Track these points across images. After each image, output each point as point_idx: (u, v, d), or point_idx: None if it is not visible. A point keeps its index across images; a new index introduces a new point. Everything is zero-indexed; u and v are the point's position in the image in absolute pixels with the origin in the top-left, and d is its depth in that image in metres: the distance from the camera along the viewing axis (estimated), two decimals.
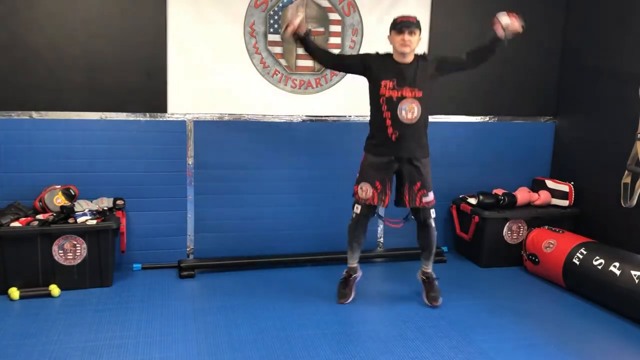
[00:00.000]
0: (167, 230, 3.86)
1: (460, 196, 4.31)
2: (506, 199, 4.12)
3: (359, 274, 3.46)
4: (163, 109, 3.74)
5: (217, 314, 3.16)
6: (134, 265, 3.79)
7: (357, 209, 3.26)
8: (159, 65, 3.68)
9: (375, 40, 3.93)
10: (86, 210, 3.46)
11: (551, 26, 4.39)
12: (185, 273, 3.71)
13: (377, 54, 3.24)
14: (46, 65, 3.52)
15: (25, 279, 3.31)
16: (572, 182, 4.21)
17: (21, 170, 3.54)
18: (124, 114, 3.68)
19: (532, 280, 3.88)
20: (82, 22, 3.54)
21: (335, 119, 4.05)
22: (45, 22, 3.48)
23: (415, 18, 3.08)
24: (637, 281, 3.14)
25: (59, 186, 3.52)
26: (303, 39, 3.18)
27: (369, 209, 3.26)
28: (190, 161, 3.83)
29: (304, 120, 4.01)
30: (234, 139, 3.89)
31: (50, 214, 3.40)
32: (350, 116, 4.05)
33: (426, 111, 3.17)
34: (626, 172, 3.51)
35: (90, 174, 3.66)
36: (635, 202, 3.45)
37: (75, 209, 3.45)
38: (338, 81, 4.02)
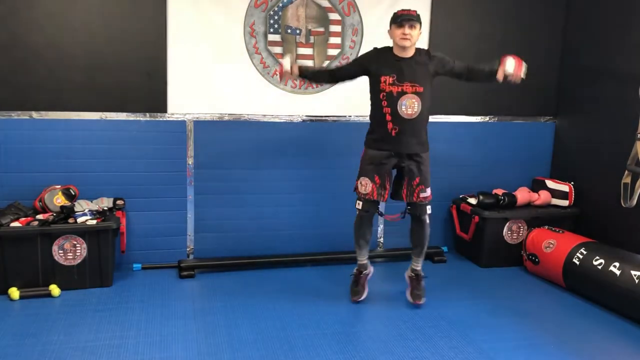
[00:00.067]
0: (167, 230, 3.87)
1: (460, 196, 4.31)
2: (506, 199, 4.12)
3: (370, 270, 3.45)
4: (163, 109, 3.74)
5: (217, 314, 3.16)
6: (134, 265, 3.79)
7: (359, 204, 3.26)
8: (159, 65, 3.68)
9: (375, 40, 3.92)
10: (86, 210, 3.46)
11: (551, 26, 4.39)
12: (185, 273, 3.71)
13: (375, 49, 3.24)
14: (46, 65, 3.52)
15: (25, 279, 3.31)
16: (572, 182, 4.21)
17: (21, 170, 3.54)
18: (124, 114, 3.69)
19: (532, 280, 3.88)
20: (82, 22, 3.54)
21: (335, 119, 4.05)
22: (45, 22, 3.48)
23: (415, 12, 3.08)
24: (637, 281, 3.14)
25: (59, 186, 3.52)
26: (300, 75, 3.27)
27: (371, 205, 3.25)
28: (190, 161, 3.83)
29: (304, 120, 4.01)
30: (234, 139, 3.89)
31: (50, 214, 3.40)
32: (350, 116, 4.05)
33: (426, 107, 3.17)
34: (626, 172, 3.51)
35: (90, 174, 3.66)
36: (635, 202, 3.45)
37: (75, 209, 3.45)
38: None
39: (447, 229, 4.44)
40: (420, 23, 3.10)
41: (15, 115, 3.52)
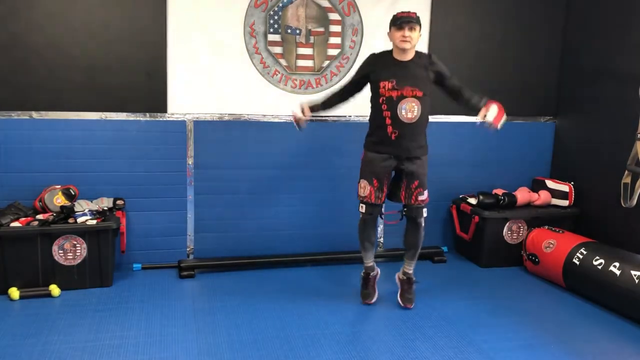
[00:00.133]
0: (167, 230, 3.87)
1: (460, 196, 4.31)
2: (506, 199, 4.12)
3: (377, 271, 3.45)
4: (163, 109, 3.74)
5: (217, 314, 3.16)
6: (134, 265, 3.79)
7: (362, 208, 3.25)
8: (159, 65, 3.69)
9: (375, 40, 3.94)
10: (86, 210, 3.46)
11: (551, 26, 4.39)
12: (185, 273, 3.71)
13: (373, 55, 3.23)
14: (46, 65, 3.52)
15: (25, 279, 3.31)
16: (572, 182, 4.21)
17: (21, 170, 3.54)
18: (124, 114, 3.69)
19: (532, 280, 3.88)
20: (82, 22, 3.54)
21: (335, 119, 4.05)
22: (45, 22, 3.48)
23: (415, 14, 3.07)
24: (637, 281, 3.14)
25: (59, 186, 3.52)
26: (314, 111, 3.29)
27: (374, 208, 3.24)
28: (190, 161, 3.83)
29: None
30: (234, 139, 3.89)
31: (50, 214, 3.40)
32: (350, 116, 4.05)
33: (426, 110, 3.16)
34: (626, 172, 3.51)
35: (90, 174, 3.66)
36: (635, 202, 3.45)
37: (75, 209, 3.45)
38: (338, 81, 4.02)
39: (447, 229, 4.44)
40: (420, 25, 3.09)
41: (15, 115, 3.52)
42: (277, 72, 3.91)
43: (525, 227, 4.10)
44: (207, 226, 3.93)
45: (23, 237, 3.27)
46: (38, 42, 3.48)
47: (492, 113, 3.07)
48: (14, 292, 3.24)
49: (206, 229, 3.93)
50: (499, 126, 3.12)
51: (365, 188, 3.21)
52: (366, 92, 3.26)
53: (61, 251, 3.36)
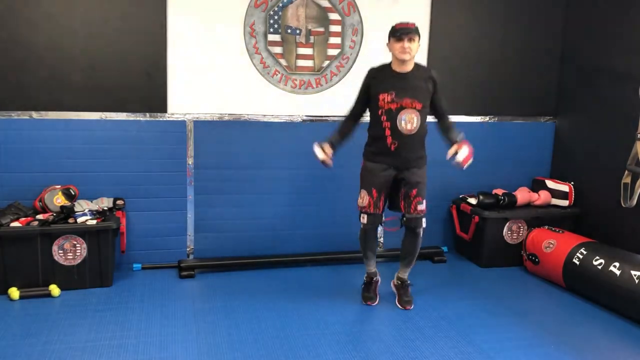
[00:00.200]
0: (167, 230, 3.87)
1: (460, 196, 4.31)
2: (506, 199, 4.12)
3: (379, 278, 3.47)
4: (163, 109, 3.74)
5: (217, 314, 3.16)
6: (134, 265, 3.79)
7: (364, 218, 3.24)
8: (159, 65, 3.69)
9: (375, 40, 3.94)
10: (86, 210, 3.46)
11: (551, 26, 4.39)
12: (185, 273, 3.71)
13: (372, 69, 3.21)
14: (46, 65, 3.52)
15: (25, 279, 3.31)
16: (572, 182, 4.21)
17: (21, 170, 3.54)
18: (124, 114, 3.69)
19: (532, 280, 3.88)
20: (82, 22, 3.54)
21: (335, 119, 4.04)
22: (45, 22, 3.48)
23: (414, 24, 3.05)
24: (637, 281, 3.14)
25: (59, 186, 3.52)
26: (335, 147, 3.24)
27: (375, 218, 3.24)
28: (190, 161, 3.83)
29: (304, 120, 4.01)
30: (234, 139, 3.89)
31: (50, 214, 3.40)
32: None
33: (425, 122, 3.17)
34: (626, 172, 3.51)
35: (90, 174, 3.66)
36: (635, 202, 3.45)
37: (75, 209, 3.45)
38: (338, 81, 4.02)
39: (447, 229, 4.44)
40: (419, 35, 3.07)
41: (15, 115, 3.52)
42: (277, 72, 3.91)
43: (525, 227, 4.10)
44: (207, 226, 3.93)
45: (23, 237, 3.27)
46: (38, 42, 3.48)
47: (463, 153, 3.07)
48: (14, 292, 3.24)
49: (206, 229, 3.93)
50: (464, 167, 3.11)
51: (364, 198, 3.22)
52: None
53: (61, 251, 3.36)
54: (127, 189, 3.73)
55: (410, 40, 3.02)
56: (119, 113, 3.67)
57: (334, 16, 3.94)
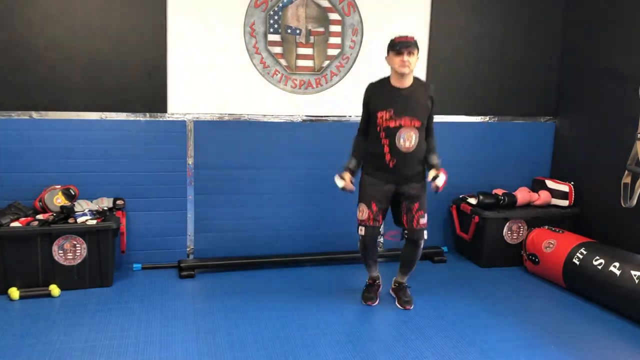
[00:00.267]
0: (167, 230, 3.87)
1: (460, 196, 4.31)
2: (506, 199, 4.12)
3: (381, 282, 3.47)
4: (163, 109, 3.74)
5: (217, 314, 3.16)
6: (134, 265, 3.79)
7: (361, 230, 3.23)
8: (159, 65, 3.69)
9: (375, 40, 3.93)
10: (86, 210, 3.46)
11: (551, 26, 4.39)
12: (185, 273, 3.71)
13: (371, 85, 3.20)
14: (46, 65, 3.52)
15: (25, 279, 3.31)
16: (572, 182, 4.21)
17: (21, 170, 3.54)
18: (124, 114, 3.69)
19: (532, 280, 3.88)
20: (82, 22, 3.54)
21: (335, 119, 4.05)
22: (45, 22, 3.48)
23: (413, 38, 3.04)
24: (637, 281, 3.14)
25: (59, 186, 3.52)
26: (354, 172, 3.25)
27: (374, 230, 3.24)
28: (190, 161, 3.83)
29: (304, 120, 4.01)
30: (234, 139, 3.89)
31: (50, 214, 3.40)
32: (350, 116, 4.04)
33: (423, 138, 3.17)
34: (626, 172, 3.51)
35: (90, 174, 3.66)
36: (635, 202, 3.45)
37: (75, 209, 3.45)
38: (338, 81, 4.02)
39: (447, 229, 4.44)
40: (418, 49, 3.06)
41: (15, 115, 3.52)
42: (277, 72, 3.91)
43: (525, 227, 4.10)
44: (207, 226, 3.93)
45: (23, 237, 3.27)
46: (38, 42, 3.48)
47: (441, 179, 3.12)
48: (14, 292, 3.24)
49: (206, 229, 3.93)
50: (438, 190, 3.15)
51: (363, 212, 3.22)
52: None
53: (61, 251, 3.36)
54: (127, 189, 3.73)
55: (409, 53, 3.00)
56: (119, 113, 3.67)
57: (334, 16, 3.94)
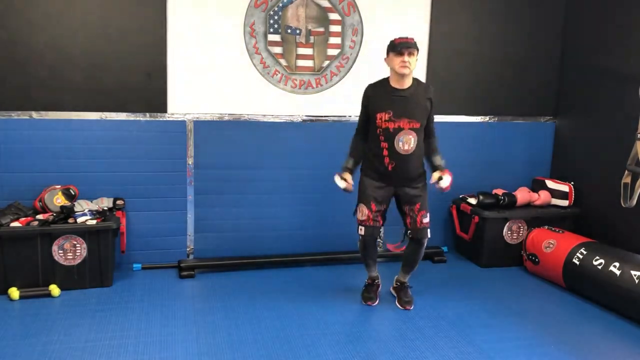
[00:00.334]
0: (167, 230, 3.87)
1: (460, 196, 4.31)
2: (506, 199, 4.12)
3: (380, 281, 3.47)
4: (163, 109, 3.74)
5: (217, 314, 3.16)
6: (134, 265, 3.79)
7: (361, 230, 3.23)
8: (159, 65, 3.69)
9: (375, 40, 3.94)
10: (86, 210, 3.46)
11: (551, 26, 4.39)
12: (185, 273, 3.71)
13: (370, 86, 3.20)
14: (46, 65, 3.52)
15: (25, 279, 3.31)
16: (572, 182, 4.21)
17: (21, 170, 3.54)
18: (124, 114, 3.69)
19: (532, 280, 3.88)
20: (82, 22, 3.54)
21: (335, 119, 4.05)
22: (45, 22, 3.48)
23: (413, 39, 3.05)
24: (637, 281, 3.14)
25: (59, 186, 3.52)
26: (353, 171, 3.26)
27: (374, 230, 3.23)
28: (190, 161, 3.83)
29: (304, 120, 4.01)
30: (234, 139, 3.89)
31: (50, 214, 3.40)
32: (350, 116, 4.04)
33: (422, 140, 3.18)
34: (626, 172, 3.51)
35: (90, 174, 3.66)
36: (635, 202, 3.45)
37: (75, 209, 3.45)
38: (338, 81, 4.02)
39: (447, 229, 4.44)
40: (418, 50, 3.07)
41: (15, 115, 3.52)
42: (277, 72, 3.91)
43: (525, 227, 4.10)
44: (207, 226, 3.93)
45: (23, 237, 3.27)
46: (38, 42, 3.48)
47: (446, 180, 3.14)
48: (14, 292, 3.24)
49: (206, 229, 3.93)
50: (444, 190, 3.18)
51: (363, 212, 3.22)
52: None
53: (61, 251, 3.36)
54: (127, 189, 3.73)
55: (410, 54, 3.01)
56: (119, 113, 3.67)
57: (334, 16, 3.94)
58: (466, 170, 4.36)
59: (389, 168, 3.14)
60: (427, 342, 2.90)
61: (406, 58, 3.00)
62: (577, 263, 3.52)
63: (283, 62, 3.91)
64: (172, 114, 3.76)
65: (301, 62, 3.94)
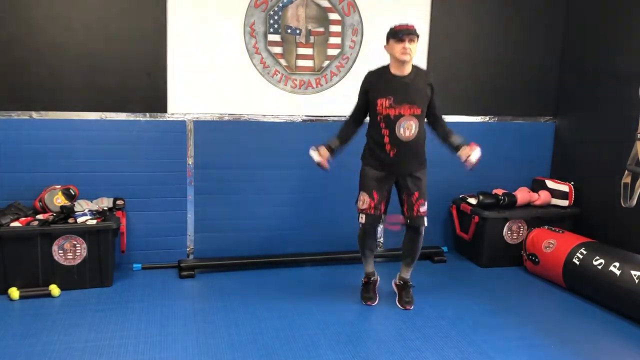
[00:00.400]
0: (167, 230, 3.87)
1: (460, 196, 4.31)
2: (506, 199, 4.12)
3: (377, 277, 3.47)
4: (163, 109, 3.74)
5: (217, 314, 3.16)
6: (134, 265, 3.79)
7: (362, 218, 3.23)
8: (159, 65, 3.69)
9: (375, 40, 3.93)
10: (86, 210, 3.46)
11: (551, 26, 4.39)
12: (185, 273, 3.71)
13: (370, 73, 3.20)
14: (46, 65, 3.52)
15: (25, 279, 3.31)
16: (572, 182, 4.21)
17: (21, 170, 3.54)
18: (124, 114, 3.69)
19: (532, 280, 3.88)
20: (82, 22, 3.54)
21: (335, 119, 4.05)
22: (45, 22, 3.48)
23: (413, 26, 3.05)
24: (637, 281, 3.14)
25: (59, 186, 3.52)
26: (334, 151, 3.23)
27: (374, 218, 3.24)
28: (190, 161, 3.83)
29: (304, 120, 4.01)
30: (234, 139, 3.89)
31: (50, 214, 3.40)
32: None
33: (423, 127, 3.17)
34: (626, 172, 3.51)
35: (90, 174, 3.66)
36: (635, 202, 3.45)
37: (75, 209, 3.45)
38: (338, 81, 4.02)
39: (447, 229, 4.44)
40: (418, 37, 3.07)
41: (15, 115, 3.52)
42: (277, 72, 3.91)
43: (525, 227, 4.10)
44: (207, 226, 3.93)
45: (23, 237, 3.27)
46: (38, 42, 3.48)
47: (476, 154, 3.08)
48: (14, 292, 3.24)
49: (206, 229, 3.93)
50: (471, 165, 3.12)
51: (364, 201, 3.21)
52: None
53: (61, 251, 3.36)
54: (127, 189, 3.73)
55: (410, 41, 3.02)
56: (119, 113, 3.67)
57: (334, 16, 3.94)
58: (466, 170, 4.35)
59: (391, 155, 3.13)
60: (427, 342, 2.90)
61: (407, 45, 3.01)
62: (577, 263, 3.52)
63: (283, 62, 3.91)
64: (172, 114, 3.76)
65: (301, 62, 3.94)
